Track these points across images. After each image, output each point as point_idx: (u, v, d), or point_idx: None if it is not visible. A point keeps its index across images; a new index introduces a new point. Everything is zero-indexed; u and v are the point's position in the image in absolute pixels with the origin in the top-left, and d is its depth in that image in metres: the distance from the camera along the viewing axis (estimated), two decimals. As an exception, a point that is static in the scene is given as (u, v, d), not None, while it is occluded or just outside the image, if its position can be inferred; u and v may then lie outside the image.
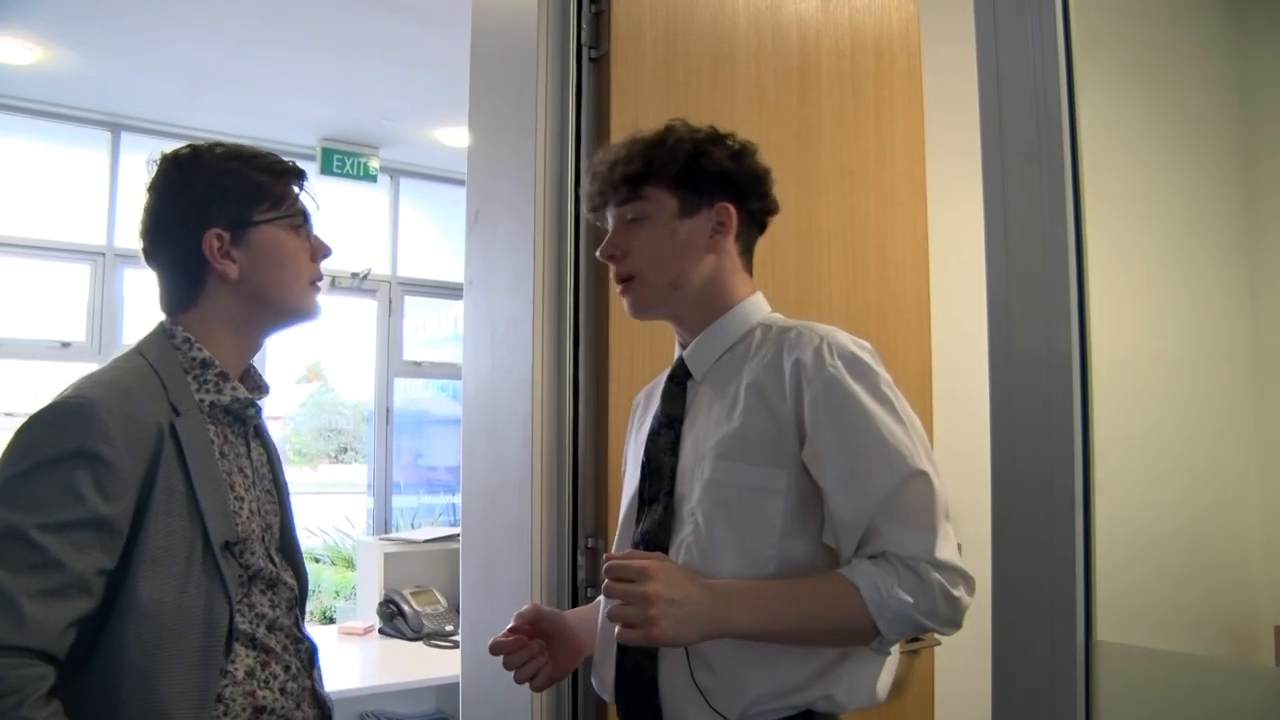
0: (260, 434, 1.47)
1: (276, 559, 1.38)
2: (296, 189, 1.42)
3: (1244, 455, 3.47)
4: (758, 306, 1.45)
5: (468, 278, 2.08)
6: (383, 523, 5.72)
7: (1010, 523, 1.15)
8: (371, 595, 3.67)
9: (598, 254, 1.45)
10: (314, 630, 5.53)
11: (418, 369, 6.04)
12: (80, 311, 5.00)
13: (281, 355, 5.72)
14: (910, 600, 1.17)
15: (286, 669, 1.33)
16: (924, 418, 2.24)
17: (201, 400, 1.32)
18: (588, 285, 1.89)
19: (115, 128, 5.03)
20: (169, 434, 1.24)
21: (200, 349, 1.34)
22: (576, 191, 1.89)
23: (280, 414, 6.52)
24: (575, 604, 1.83)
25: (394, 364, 5.92)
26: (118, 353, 4.54)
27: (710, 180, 1.40)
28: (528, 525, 1.85)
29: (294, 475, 7.05)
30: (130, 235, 4.88)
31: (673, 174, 1.39)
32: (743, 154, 1.44)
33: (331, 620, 5.75)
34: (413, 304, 6.08)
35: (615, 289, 1.59)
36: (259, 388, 1.47)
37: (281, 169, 1.40)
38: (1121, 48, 3.16)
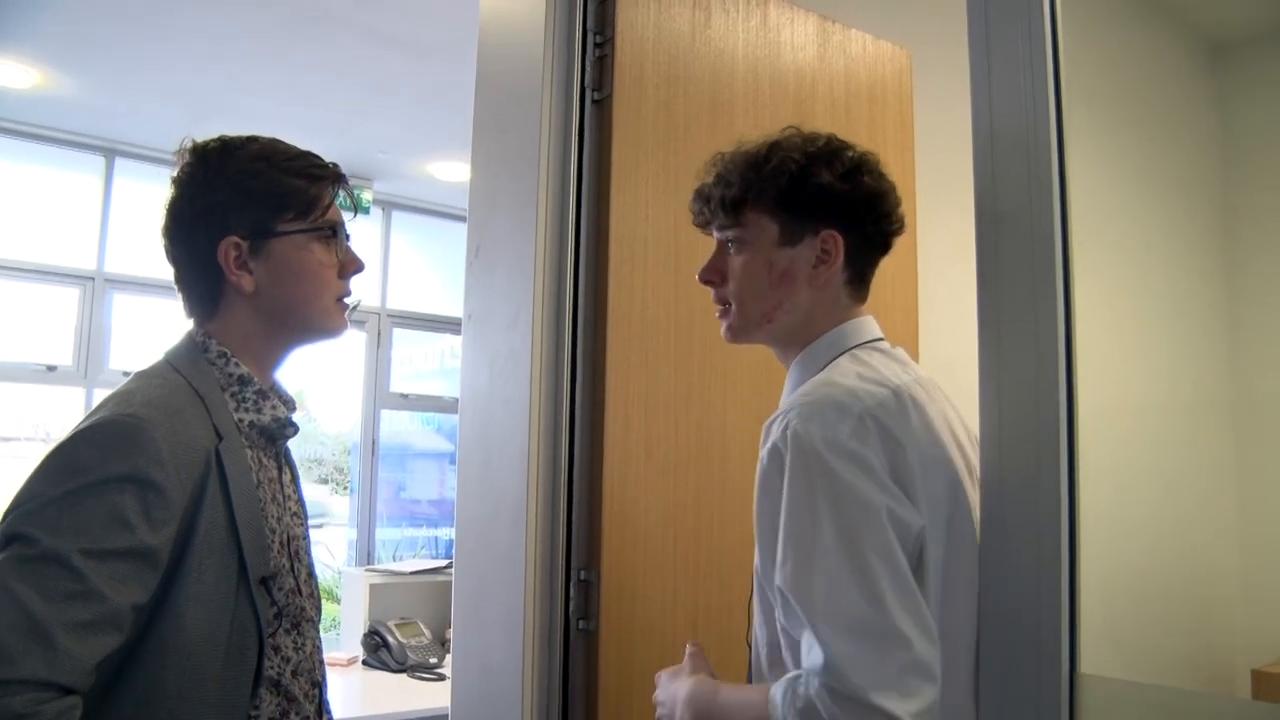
0: (287, 453, 1.37)
1: (304, 588, 1.31)
2: (332, 195, 1.31)
3: (1223, 502, 3.52)
4: (842, 338, 1.33)
5: (467, 311, 2.11)
6: (365, 555, 5.70)
7: (998, 560, 1.18)
8: (356, 626, 3.66)
9: (696, 276, 1.38)
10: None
11: (404, 401, 6.04)
12: (68, 335, 4.99)
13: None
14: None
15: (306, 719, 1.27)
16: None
17: (241, 420, 1.24)
18: (585, 321, 1.92)
19: (110, 153, 5.06)
20: (214, 461, 1.16)
21: (238, 364, 1.25)
22: (577, 231, 1.93)
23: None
24: (567, 636, 1.85)
25: (381, 396, 5.92)
26: (104, 377, 4.54)
27: (816, 205, 1.29)
28: (521, 556, 1.87)
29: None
30: (121, 260, 4.87)
31: (773, 198, 1.30)
32: (858, 171, 1.32)
33: (310, 651, 5.71)
34: (400, 336, 6.10)
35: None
36: (287, 402, 1.35)
37: (317, 173, 1.29)
38: (1109, 100, 3.24)
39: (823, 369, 1.30)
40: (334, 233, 1.31)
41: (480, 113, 2.17)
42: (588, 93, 1.96)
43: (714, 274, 1.37)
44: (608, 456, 1.86)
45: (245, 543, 1.16)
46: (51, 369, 4.93)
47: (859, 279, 1.36)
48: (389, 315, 6.03)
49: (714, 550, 1.97)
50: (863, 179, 1.32)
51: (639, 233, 1.93)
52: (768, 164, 1.31)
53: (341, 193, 1.34)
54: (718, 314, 1.38)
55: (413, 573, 3.85)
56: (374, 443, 5.89)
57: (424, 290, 6.20)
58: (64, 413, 5.04)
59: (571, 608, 1.85)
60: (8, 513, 1.06)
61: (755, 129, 2.11)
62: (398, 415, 6.17)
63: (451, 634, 2.18)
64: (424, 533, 6.62)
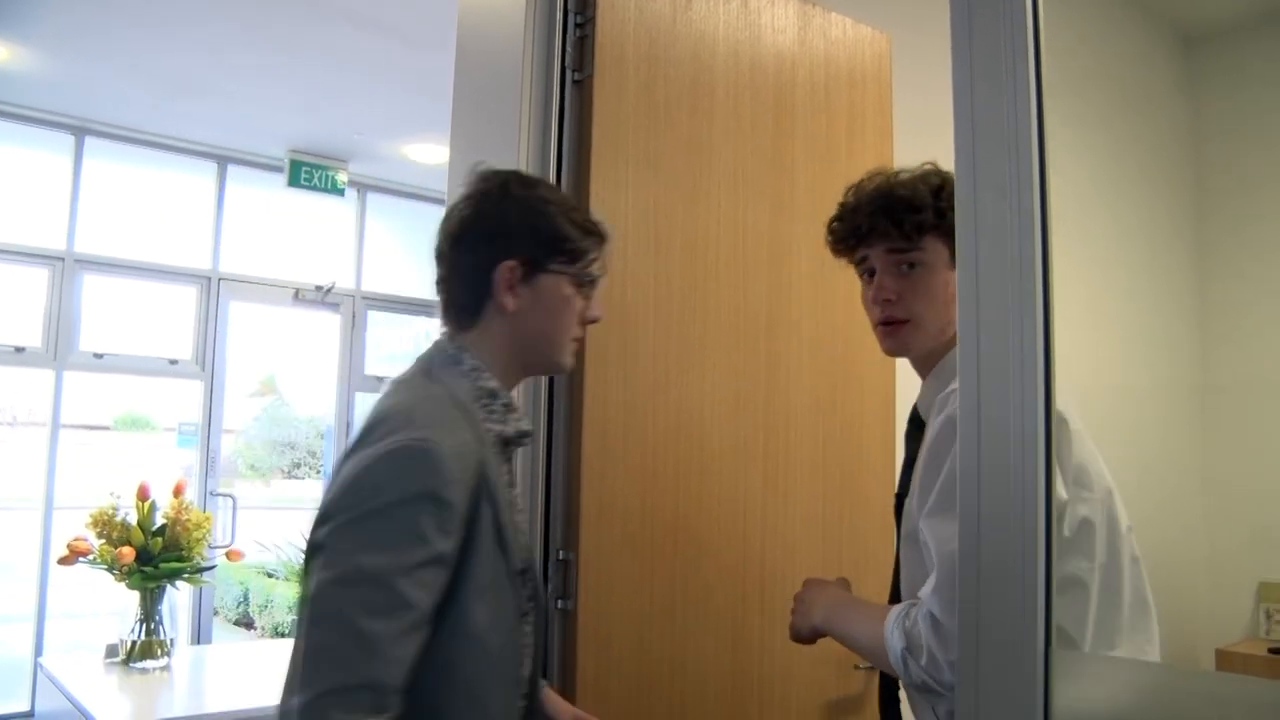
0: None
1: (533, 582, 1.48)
2: (596, 252, 1.47)
3: (1191, 489, 3.57)
4: None
5: (445, 292, 2.11)
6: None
7: (975, 543, 1.20)
8: (330, 608, 3.64)
9: (871, 296, 1.50)
10: (268, 644, 5.42)
11: (379, 384, 6.02)
12: (37, 316, 4.94)
13: (235, 368, 5.67)
14: (900, 643, 1.31)
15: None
16: (886, 442, 2.30)
17: (488, 430, 1.37)
18: (565, 303, 1.92)
19: (80, 131, 5.00)
20: (483, 468, 1.30)
21: (489, 378, 1.40)
22: (557, 211, 1.92)
23: (232, 427, 6.47)
24: (545, 617, 1.86)
25: (356, 378, 5.90)
26: (74, 359, 4.48)
27: None
28: (499, 537, 1.87)
29: (246, 490, 6.94)
30: (91, 240, 4.83)
31: (948, 224, 1.39)
32: None
33: (283, 636, 5.70)
34: (374, 319, 6.07)
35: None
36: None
37: (591, 228, 1.46)
38: (1089, 90, 3.27)
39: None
40: (592, 284, 1.47)
41: (460, 92, 2.16)
42: (568, 73, 1.95)
43: (892, 293, 1.48)
44: (586, 438, 1.86)
45: (508, 539, 1.32)
46: (20, 350, 4.88)
47: None
48: (363, 297, 6.00)
49: (692, 530, 1.99)
50: None
51: (618, 214, 1.93)
52: (944, 191, 1.44)
53: (601, 254, 1.49)
54: (884, 331, 1.51)
55: (387, 555, 3.83)
56: (348, 426, 5.87)
57: (398, 273, 6.17)
58: (33, 394, 4.98)
59: (550, 588, 1.86)
60: (323, 517, 1.23)
61: (736, 112, 2.12)
62: (372, 398, 6.15)
63: (428, 615, 2.18)
64: (398, 516, 6.58)
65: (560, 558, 1.86)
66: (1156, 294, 3.85)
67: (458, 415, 1.32)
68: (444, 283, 1.44)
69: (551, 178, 1.93)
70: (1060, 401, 1.37)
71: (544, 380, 1.89)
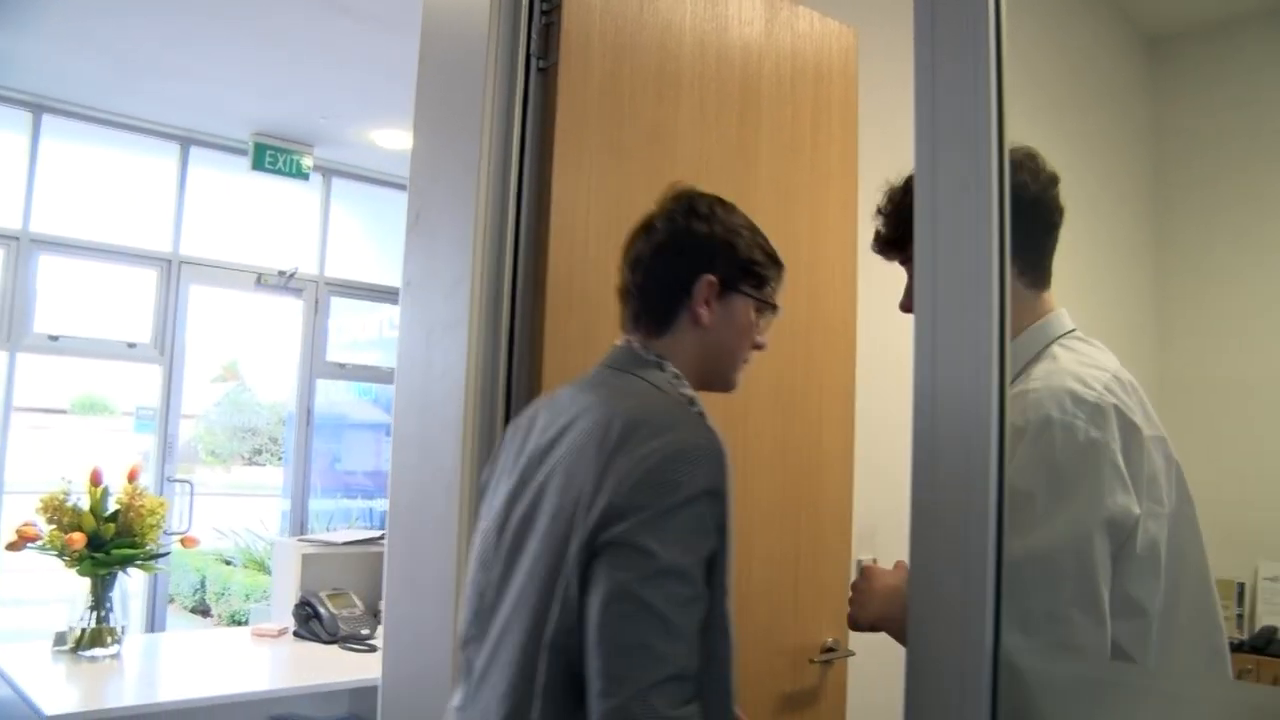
0: None
1: None
2: (776, 281, 1.55)
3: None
4: (1032, 340, 1.47)
5: (405, 278, 2.09)
6: (299, 525, 5.63)
7: (927, 539, 1.20)
8: (287, 597, 3.61)
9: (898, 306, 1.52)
10: (224, 633, 5.35)
11: (341, 370, 5.97)
12: (-11, 297, 4.85)
13: (195, 353, 5.60)
14: None
15: None
16: (845, 436, 2.30)
17: None
18: (524, 291, 1.90)
19: (37, 109, 4.91)
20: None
21: (686, 385, 1.46)
22: (519, 200, 1.91)
23: (192, 412, 6.39)
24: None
25: (317, 365, 5.84)
26: (28, 340, 4.37)
27: None
28: (454, 526, 1.85)
29: (206, 476, 6.84)
30: (46, 220, 4.69)
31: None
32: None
33: (239, 624, 5.65)
34: (338, 305, 6.02)
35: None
36: None
37: (775, 258, 1.55)
38: (1051, 87, 3.28)
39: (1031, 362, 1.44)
40: (772, 311, 1.55)
41: (423, 78, 2.14)
42: (533, 60, 1.93)
43: (910, 300, 1.48)
44: (545, 428, 1.84)
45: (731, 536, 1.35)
46: (-27, 331, 4.78)
47: (1031, 269, 1.51)
48: (327, 283, 5.94)
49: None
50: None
51: (581, 202, 1.92)
52: (904, 204, 1.45)
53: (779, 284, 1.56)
54: None
55: (345, 543, 3.80)
56: (309, 412, 5.81)
57: (363, 259, 6.11)
58: (-14, 376, 4.88)
59: (505, 579, 1.84)
60: (611, 517, 1.24)
61: (701, 103, 2.11)
62: (334, 385, 6.10)
63: (384, 605, 2.16)
64: (359, 504, 6.56)
65: (516, 548, 1.84)
66: (1117, 289, 3.89)
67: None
68: (639, 289, 1.50)
69: (514, 165, 1.91)
70: (1138, 410, 1.36)
71: (501, 370, 1.88)
